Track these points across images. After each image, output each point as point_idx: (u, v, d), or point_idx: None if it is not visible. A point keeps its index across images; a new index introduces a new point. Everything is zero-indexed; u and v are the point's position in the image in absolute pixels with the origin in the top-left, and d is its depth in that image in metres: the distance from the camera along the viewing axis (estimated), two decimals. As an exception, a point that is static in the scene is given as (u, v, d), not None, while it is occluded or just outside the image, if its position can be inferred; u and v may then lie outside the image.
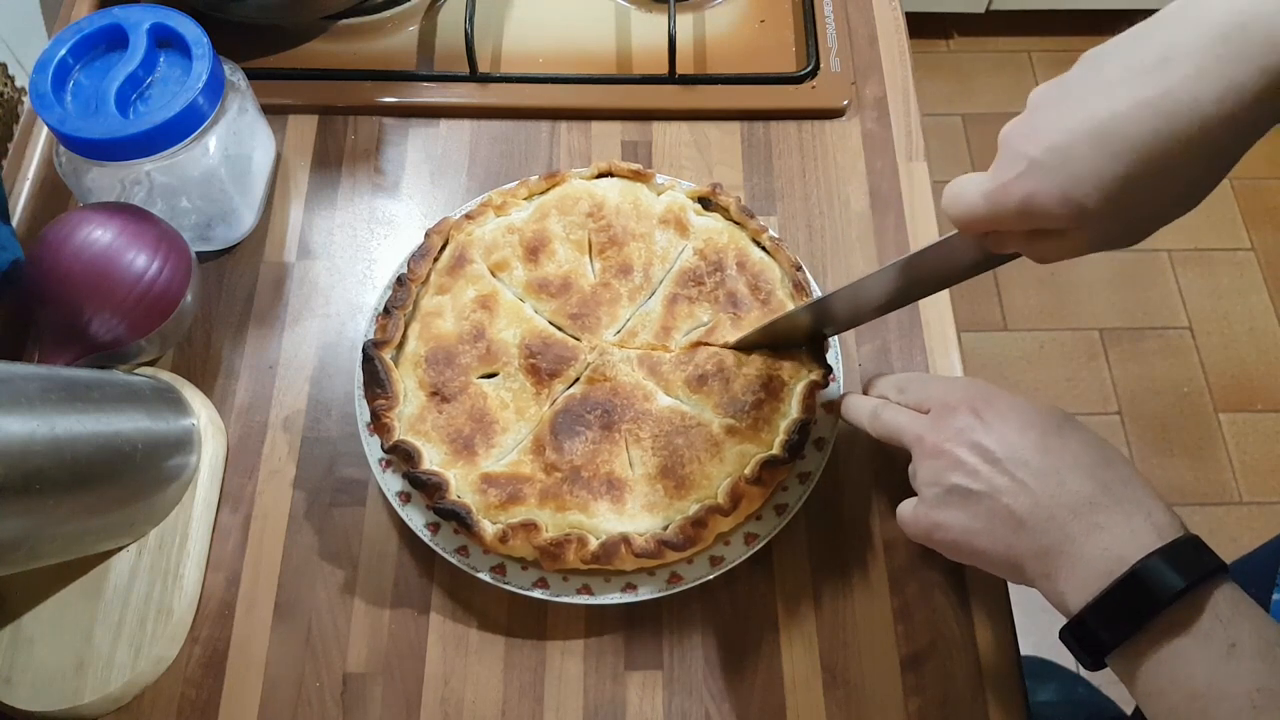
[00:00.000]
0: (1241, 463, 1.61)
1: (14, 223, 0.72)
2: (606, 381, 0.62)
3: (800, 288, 0.64)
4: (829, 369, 0.62)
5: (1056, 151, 0.41)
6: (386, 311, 0.64)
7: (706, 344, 0.63)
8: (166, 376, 0.65)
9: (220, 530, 0.63)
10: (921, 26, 2.01)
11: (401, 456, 0.59)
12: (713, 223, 0.68)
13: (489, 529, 0.57)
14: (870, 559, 0.62)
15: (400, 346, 0.64)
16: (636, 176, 0.70)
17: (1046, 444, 0.49)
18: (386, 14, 0.82)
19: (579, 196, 0.68)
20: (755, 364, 0.62)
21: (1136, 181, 0.40)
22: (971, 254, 0.51)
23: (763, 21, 0.83)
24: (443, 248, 0.67)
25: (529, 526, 0.56)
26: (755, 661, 0.59)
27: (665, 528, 0.57)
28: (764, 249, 0.67)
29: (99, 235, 0.59)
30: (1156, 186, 0.40)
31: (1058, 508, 0.47)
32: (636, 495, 0.58)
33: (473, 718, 0.58)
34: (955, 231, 0.49)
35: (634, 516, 0.58)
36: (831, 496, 0.63)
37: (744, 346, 0.63)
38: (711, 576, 0.58)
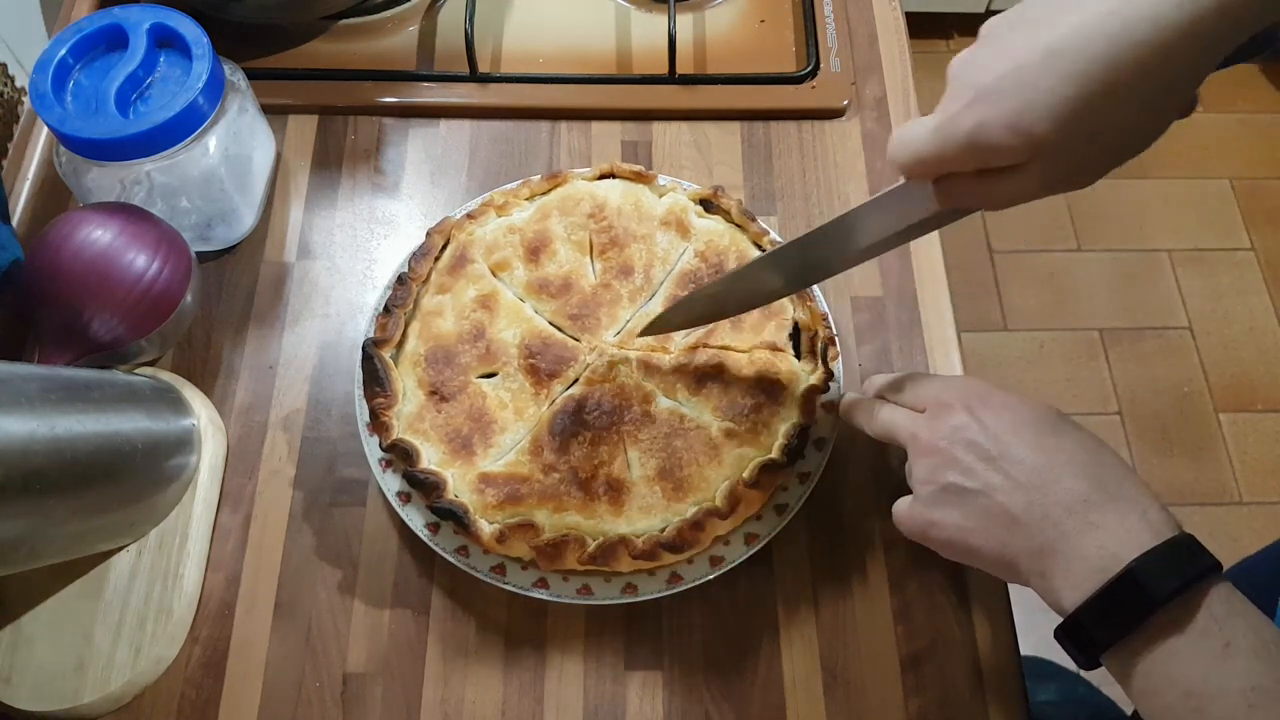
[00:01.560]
0: (1241, 463, 1.61)
1: (14, 223, 0.72)
2: (606, 383, 0.62)
3: (801, 292, 0.64)
4: (830, 373, 0.62)
5: (1007, 77, 0.40)
6: (387, 310, 0.64)
7: (706, 345, 0.63)
8: (166, 376, 0.65)
9: (220, 530, 0.63)
10: (921, 26, 2.01)
11: (399, 455, 0.59)
12: (714, 225, 0.68)
13: (486, 529, 0.57)
14: (870, 559, 0.62)
15: (400, 345, 0.64)
16: (639, 178, 0.70)
17: (1041, 442, 0.49)
18: (386, 14, 0.82)
19: (581, 197, 0.68)
20: (755, 367, 0.62)
21: (1090, 104, 0.39)
22: (921, 206, 0.49)
23: (763, 21, 0.83)
24: (444, 247, 0.67)
25: (526, 527, 0.56)
26: (755, 661, 0.59)
27: (663, 530, 0.57)
28: (765, 252, 0.67)
29: (99, 235, 0.59)
30: (1111, 110, 0.39)
31: (1052, 506, 0.47)
32: (635, 497, 0.58)
33: (473, 718, 0.58)
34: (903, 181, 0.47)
35: (632, 518, 0.58)
36: (832, 496, 0.63)
37: (674, 324, 0.61)
38: (712, 576, 0.58)
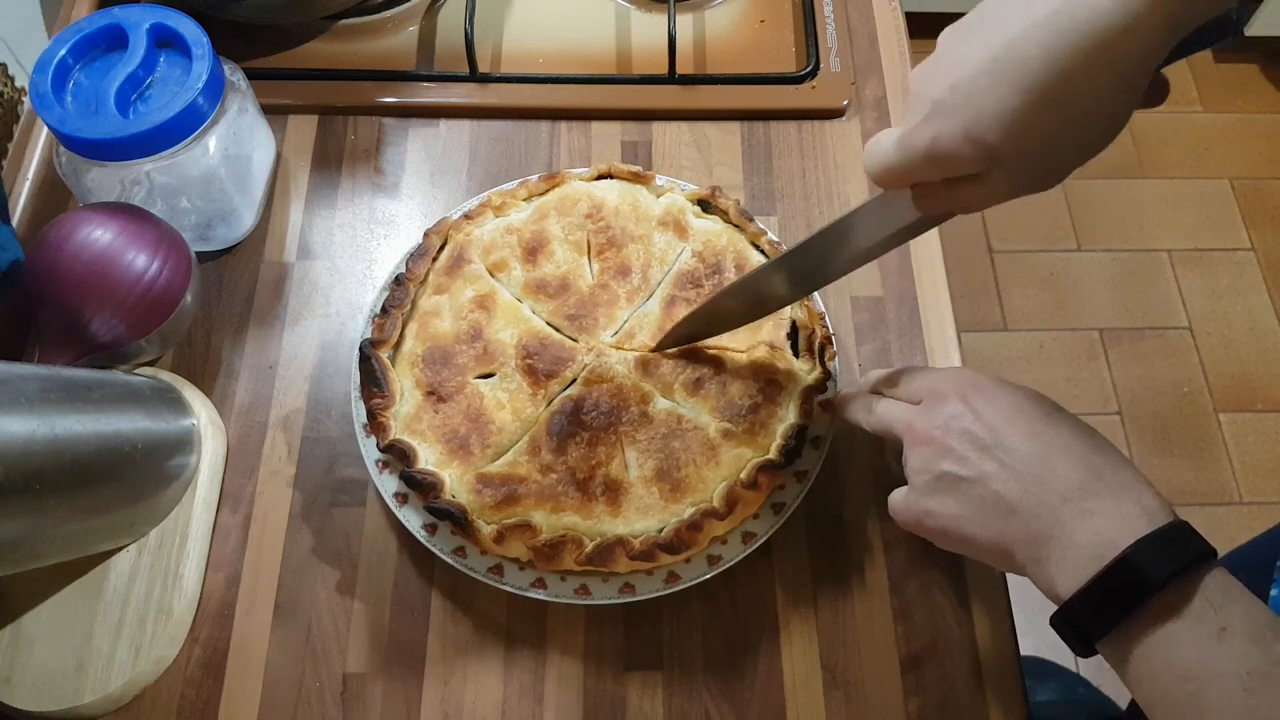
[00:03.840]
0: (1241, 463, 1.61)
1: (14, 223, 0.72)
2: (604, 383, 0.62)
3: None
4: (828, 372, 0.62)
5: (958, 89, 0.40)
6: (384, 311, 0.64)
7: (704, 346, 0.63)
8: (166, 376, 0.65)
9: (220, 530, 0.63)
10: (921, 26, 2.00)
11: (397, 455, 0.59)
12: (712, 225, 0.68)
13: (484, 529, 0.57)
14: (870, 558, 0.62)
15: (397, 346, 0.64)
16: (636, 178, 0.70)
17: (1036, 430, 0.49)
18: (386, 14, 0.82)
19: (578, 198, 0.68)
20: (753, 366, 0.62)
21: (1039, 110, 0.38)
22: (903, 212, 0.50)
23: (763, 21, 0.83)
24: (441, 248, 0.67)
25: (524, 528, 0.56)
26: (755, 661, 0.59)
27: (661, 530, 0.57)
28: (763, 252, 0.67)
29: (99, 235, 0.59)
30: (1061, 115, 0.39)
31: (1048, 493, 0.47)
32: (632, 498, 0.58)
33: (473, 718, 0.58)
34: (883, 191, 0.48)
35: (629, 519, 0.58)
36: (830, 495, 0.63)
37: (678, 341, 0.62)
38: (709, 576, 0.58)
